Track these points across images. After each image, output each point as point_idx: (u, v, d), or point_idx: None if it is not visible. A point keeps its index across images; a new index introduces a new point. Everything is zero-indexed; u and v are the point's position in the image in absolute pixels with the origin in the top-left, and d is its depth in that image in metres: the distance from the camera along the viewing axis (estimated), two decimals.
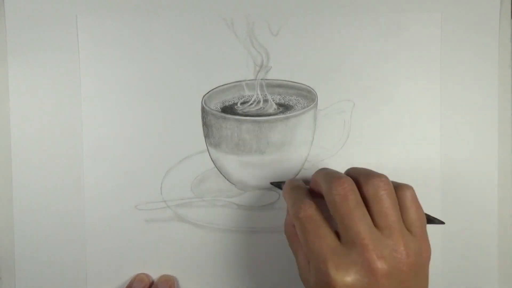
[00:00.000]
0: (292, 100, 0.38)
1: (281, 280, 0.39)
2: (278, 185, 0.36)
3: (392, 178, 0.38)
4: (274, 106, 0.38)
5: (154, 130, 0.38)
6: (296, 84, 0.38)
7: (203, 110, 0.37)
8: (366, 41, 0.38)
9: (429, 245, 0.30)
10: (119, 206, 0.38)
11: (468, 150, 0.38)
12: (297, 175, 0.38)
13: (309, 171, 0.38)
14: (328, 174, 0.30)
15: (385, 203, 0.28)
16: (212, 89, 0.38)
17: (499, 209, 0.39)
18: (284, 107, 0.38)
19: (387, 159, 0.38)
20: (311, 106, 0.37)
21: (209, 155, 0.38)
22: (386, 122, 0.38)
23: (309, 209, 0.29)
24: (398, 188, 0.30)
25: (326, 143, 0.38)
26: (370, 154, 0.38)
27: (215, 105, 0.38)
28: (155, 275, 0.38)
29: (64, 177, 0.38)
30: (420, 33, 0.38)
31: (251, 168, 0.37)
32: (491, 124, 0.38)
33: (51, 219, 0.38)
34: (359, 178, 0.29)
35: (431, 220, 0.32)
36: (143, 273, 0.38)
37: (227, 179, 0.39)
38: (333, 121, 0.38)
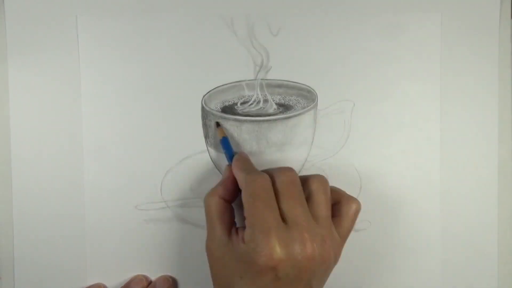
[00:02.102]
0: (292, 100, 0.38)
1: None
2: (227, 148, 0.35)
3: (392, 178, 0.39)
4: (274, 106, 0.38)
5: (154, 130, 0.38)
6: (296, 84, 0.38)
7: (203, 110, 0.37)
8: (366, 41, 0.38)
9: (340, 253, 0.32)
10: (119, 206, 0.38)
11: (468, 150, 0.38)
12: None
13: (309, 171, 0.38)
14: (277, 168, 0.33)
15: (322, 197, 0.31)
16: (212, 89, 0.38)
17: (499, 209, 0.39)
18: (284, 107, 0.38)
19: (387, 159, 0.38)
20: (311, 106, 0.37)
21: (209, 155, 0.38)
22: (386, 122, 0.38)
23: (266, 181, 0.30)
24: (348, 199, 0.33)
25: (326, 143, 0.38)
26: (370, 154, 0.38)
27: (215, 105, 0.38)
28: (154, 275, 0.38)
29: (64, 177, 0.38)
30: (420, 33, 0.38)
31: None
32: (491, 124, 0.38)
33: (51, 219, 0.38)
34: (304, 177, 0.32)
35: None
36: (142, 274, 0.38)
37: None
38: (333, 121, 0.38)
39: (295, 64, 0.38)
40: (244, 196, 0.30)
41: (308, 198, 0.31)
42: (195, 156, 0.38)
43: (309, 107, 0.37)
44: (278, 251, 0.28)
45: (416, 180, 0.38)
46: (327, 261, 0.29)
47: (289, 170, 0.32)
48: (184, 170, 0.38)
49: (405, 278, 0.39)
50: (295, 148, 0.37)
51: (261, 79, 0.38)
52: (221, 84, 0.38)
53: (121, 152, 0.38)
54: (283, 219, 0.29)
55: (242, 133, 0.36)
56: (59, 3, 0.37)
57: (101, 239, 0.38)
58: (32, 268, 0.38)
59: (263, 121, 0.36)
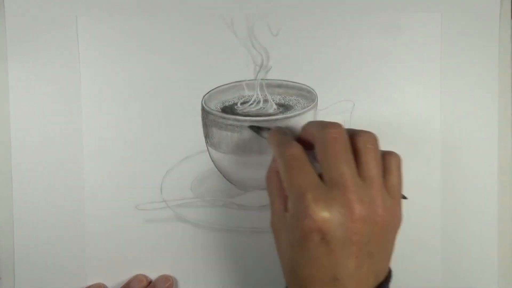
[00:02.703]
0: (292, 100, 0.38)
1: (281, 280, 0.39)
2: (257, 129, 0.35)
3: None
4: (274, 106, 0.38)
5: (154, 130, 0.38)
6: (296, 84, 0.38)
7: (203, 110, 0.37)
8: (366, 41, 0.38)
9: (401, 214, 0.30)
10: (119, 206, 0.38)
11: (468, 150, 0.38)
12: None
13: None
14: (323, 121, 0.31)
15: (371, 155, 0.29)
16: (212, 89, 0.38)
17: (499, 209, 0.39)
18: (284, 107, 0.38)
19: None
20: (311, 106, 0.37)
21: (209, 155, 0.38)
22: (386, 122, 0.38)
23: (296, 149, 0.29)
24: (387, 153, 0.31)
25: None
26: None
27: (215, 105, 0.38)
28: (154, 275, 0.38)
29: (64, 177, 0.38)
30: (420, 33, 0.38)
31: (251, 168, 0.37)
32: (491, 124, 0.38)
33: (51, 219, 0.38)
34: (351, 131, 0.30)
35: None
36: (142, 274, 0.38)
37: (227, 179, 0.39)
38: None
39: (295, 64, 0.38)
40: (279, 168, 0.30)
41: (356, 156, 0.29)
42: (195, 156, 0.38)
43: (309, 107, 0.37)
44: (318, 212, 0.26)
45: (416, 180, 0.38)
46: (381, 223, 0.28)
47: (333, 126, 0.29)
48: (184, 170, 0.38)
49: (405, 278, 0.39)
50: None
51: (261, 79, 0.38)
52: (221, 84, 0.38)
53: (121, 152, 0.38)
54: (326, 181, 0.28)
55: (242, 133, 0.36)
56: (59, 3, 0.37)
57: (101, 239, 0.38)
58: (32, 268, 0.38)
59: (263, 121, 0.36)
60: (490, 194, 0.39)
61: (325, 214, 0.27)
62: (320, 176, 0.29)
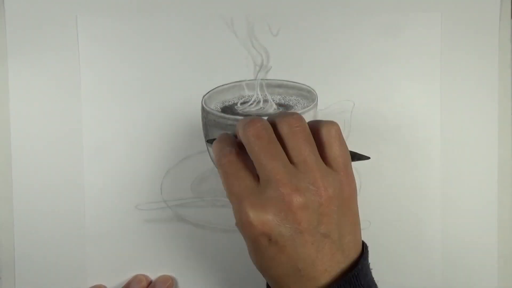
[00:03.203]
0: (292, 100, 0.38)
1: None
2: (212, 142, 0.35)
3: (392, 178, 0.39)
4: (274, 106, 0.38)
5: (154, 130, 0.38)
6: (296, 84, 0.38)
7: (203, 110, 0.37)
8: (366, 41, 0.38)
9: (353, 180, 0.30)
10: (119, 206, 0.38)
11: (468, 150, 0.38)
12: None
13: None
14: (243, 120, 0.30)
15: (298, 138, 0.28)
16: (212, 89, 0.38)
17: (499, 209, 0.39)
18: (284, 107, 0.38)
19: (387, 159, 0.38)
20: (311, 106, 0.37)
21: (209, 155, 0.38)
22: (386, 122, 0.38)
23: (230, 155, 0.29)
24: (321, 125, 0.29)
25: None
26: (370, 154, 0.38)
27: (215, 105, 0.38)
28: (154, 275, 0.38)
29: (64, 177, 0.38)
30: (420, 33, 0.38)
31: None
32: (491, 124, 0.38)
33: (51, 219, 0.38)
34: (274, 119, 0.29)
35: (356, 156, 0.32)
36: (142, 274, 0.38)
37: None
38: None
39: (295, 64, 0.38)
40: (247, 149, 0.29)
41: (282, 144, 0.29)
42: (195, 156, 0.38)
43: (309, 107, 0.37)
44: (255, 217, 0.27)
45: (416, 180, 0.38)
46: (327, 201, 0.27)
47: (251, 123, 0.29)
48: (184, 170, 0.38)
49: (405, 278, 0.39)
50: None
51: (261, 79, 0.38)
52: (221, 84, 0.38)
53: (121, 152, 0.38)
54: (260, 180, 0.28)
55: None
56: (59, 3, 0.37)
57: (101, 239, 0.38)
58: (32, 268, 0.38)
59: None
60: (490, 194, 0.39)
61: (263, 217, 0.27)
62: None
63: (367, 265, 0.29)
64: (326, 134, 0.29)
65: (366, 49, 0.38)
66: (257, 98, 0.38)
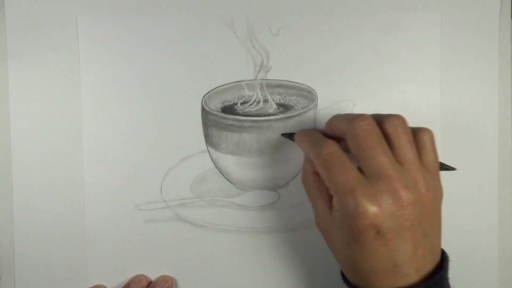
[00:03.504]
0: (292, 100, 0.38)
1: (281, 280, 0.39)
2: (289, 136, 0.35)
3: None
4: (274, 106, 0.38)
5: (154, 130, 0.38)
6: (296, 84, 0.38)
7: (203, 110, 0.37)
8: (366, 41, 0.38)
9: (441, 186, 0.31)
10: (119, 206, 0.38)
11: (468, 150, 0.38)
12: (297, 175, 0.38)
13: None
14: (348, 115, 0.31)
15: (404, 138, 0.29)
16: (212, 89, 0.38)
17: (499, 209, 0.39)
18: (284, 107, 0.38)
19: None
20: (311, 106, 0.37)
21: (209, 155, 0.38)
22: None
23: (332, 146, 0.30)
24: (418, 130, 0.31)
25: None
26: None
27: (215, 105, 0.38)
28: (154, 275, 0.38)
29: (64, 177, 0.38)
30: (420, 33, 0.38)
31: (251, 168, 0.37)
32: (491, 124, 0.38)
33: (51, 219, 0.38)
34: (378, 118, 0.30)
35: (443, 166, 0.33)
36: (142, 274, 0.38)
37: (227, 179, 0.39)
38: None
39: (295, 64, 0.38)
40: (318, 169, 0.30)
41: (389, 143, 0.29)
42: (195, 156, 0.38)
43: (309, 107, 0.37)
44: (369, 208, 0.27)
45: None
46: (428, 202, 0.29)
47: (362, 119, 0.29)
48: (184, 170, 0.38)
49: None
50: (295, 148, 0.37)
51: (261, 79, 0.38)
52: (221, 84, 0.38)
53: (121, 152, 0.38)
54: (367, 174, 0.28)
55: (242, 133, 0.36)
56: (59, 3, 0.37)
57: (101, 239, 0.38)
58: (32, 268, 0.38)
59: (263, 121, 0.36)
60: (490, 194, 0.39)
61: (375, 209, 0.27)
62: (359, 169, 0.29)
63: (447, 270, 0.31)
64: (423, 139, 0.31)
65: (366, 49, 0.38)
66: (257, 98, 0.38)
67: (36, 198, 0.38)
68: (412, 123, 0.38)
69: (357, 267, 0.29)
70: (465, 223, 0.39)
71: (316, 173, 0.32)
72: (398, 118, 0.30)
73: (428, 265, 0.29)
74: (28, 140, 0.38)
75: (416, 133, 0.31)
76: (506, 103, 0.38)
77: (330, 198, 0.30)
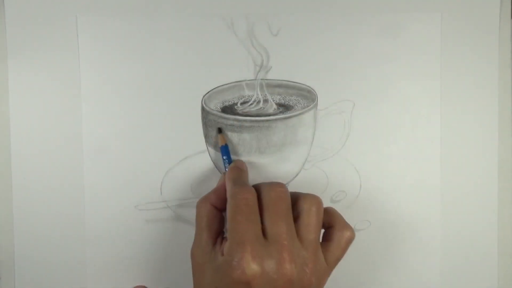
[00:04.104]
0: (292, 100, 0.38)
1: None
2: (220, 131, 0.36)
3: (392, 178, 0.39)
4: (274, 106, 0.38)
5: (154, 130, 0.38)
6: (296, 84, 0.38)
7: (203, 110, 0.37)
8: (366, 41, 0.38)
9: (325, 282, 0.31)
10: (119, 206, 0.38)
11: (468, 150, 0.38)
12: (297, 175, 0.38)
13: (309, 171, 0.38)
14: (264, 183, 0.32)
15: (313, 218, 0.30)
16: (212, 89, 0.38)
17: (499, 209, 0.39)
18: (284, 107, 0.38)
19: (387, 159, 0.38)
20: (311, 106, 0.37)
21: (209, 155, 0.38)
22: (386, 122, 0.38)
23: (250, 194, 0.30)
24: (303, 198, 0.31)
25: (326, 143, 0.38)
26: (370, 154, 0.38)
27: (215, 105, 0.38)
28: (154, 274, 0.38)
29: (64, 177, 0.38)
30: (420, 33, 0.38)
31: (251, 168, 0.37)
32: (491, 124, 0.38)
33: (51, 219, 0.38)
34: (296, 194, 0.32)
35: None
36: (142, 286, 0.38)
37: None
38: (333, 121, 0.38)
39: (295, 64, 0.38)
40: (227, 208, 0.30)
41: (297, 217, 0.30)
42: (195, 156, 0.38)
43: (309, 107, 0.37)
44: (252, 266, 0.27)
45: (416, 180, 0.38)
46: (306, 287, 0.28)
47: (279, 186, 0.31)
48: (184, 170, 0.38)
49: (405, 278, 0.39)
50: (295, 148, 0.37)
51: (261, 79, 0.38)
52: (221, 84, 0.38)
53: (121, 152, 0.38)
54: (265, 235, 0.29)
55: (242, 133, 0.36)
56: (59, 3, 0.37)
57: (101, 239, 0.38)
58: (32, 268, 0.38)
59: (263, 121, 0.36)
60: (490, 194, 0.39)
61: (257, 269, 0.27)
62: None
63: None
64: (336, 234, 0.31)
65: (366, 49, 0.38)
66: (257, 98, 0.38)
67: (36, 198, 0.38)
68: (412, 123, 0.38)
69: None
70: (465, 223, 0.39)
71: (215, 207, 0.32)
72: (316, 199, 0.31)
73: None
74: (28, 140, 0.38)
75: (302, 202, 0.31)
76: (506, 103, 0.38)
77: (217, 235, 0.31)
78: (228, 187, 0.32)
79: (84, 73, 0.38)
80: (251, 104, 0.38)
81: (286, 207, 0.30)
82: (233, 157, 0.36)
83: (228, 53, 0.38)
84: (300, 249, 0.29)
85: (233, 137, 0.36)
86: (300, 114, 0.36)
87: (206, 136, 0.38)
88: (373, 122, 0.38)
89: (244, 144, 0.36)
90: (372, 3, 0.38)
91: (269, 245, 0.28)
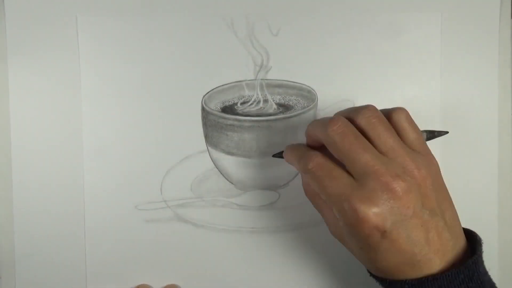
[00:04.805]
0: (292, 100, 0.38)
1: (281, 280, 0.39)
2: (280, 155, 0.35)
3: None
4: (274, 106, 0.38)
5: (154, 130, 0.38)
6: (296, 84, 0.38)
7: (203, 110, 0.37)
8: (366, 41, 0.38)
9: (434, 157, 0.30)
10: (119, 206, 0.38)
11: (468, 150, 0.38)
12: (297, 175, 0.38)
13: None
14: (320, 121, 0.31)
15: (380, 128, 0.29)
16: (212, 89, 0.38)
17: (499, 209, 0.39)
18: (284, 107, 0.38)
19: None
20: (311, 106, 0.37)
21: (209, 155, 0.38)
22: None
23: (317, 158, 0.29)
24: (391, 113, 0.30)
25: None
26: None
27: (215, 105, 0.38)
28: (154, 275, 0.38)
29: (64, 177, 0.38)
30: (420, 33, 0.38)
31: (251, 168, 0.37)
32: (491, 124, 0.38)
33: (51, 219, 0.38)
34: (349, 115, 0.30)
35: (433, 134, 0.33)
36: (146, 284, 0.38)
37: (227, 179, 0.39)
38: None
39: (295, 64, 0.38)
40: (310, 183, 0.30)
41: (366, 136, 0.29)
42: (195, 156, 0.38)
43: (309, 107, 0.37)
44: (367, 211, 0.27)
45: None
46: (423, 182, 0.28)
47: (334, 122, 0.29)
48: (184, 170, 0.38)
49: None
50: None
51: (261, 79, 0.38)
52: (221, 84, 0.38)
53: (121, 152, 0.38)
54: (355, 175, 0.28)
55: (242, 133, 0.36)
56: (59, 3, 0.37)
57: (101, 239, 0.38)
58: (32, 268, 0.38)
59: (263, 121, 0.36)
60: (490, 194, 0.39)
61: (374, 210, 0.27)
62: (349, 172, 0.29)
63: (481, 254, 0.30)
64: (399, 120, 0.30)
65: (366, 49, 0.38)
66: (257, 98, 0.38)
67: (36, 198, 0.38)
68: None
69: (378, 266, 0.29)
70: (465, 223, 0.39)
71: None
72: (369, 109, 0.30)
73: (449, 242, 0.28)
74: (28, 140, 0.38)
75: (391, 116, 0.30)
76: (506, 103, 0.38)
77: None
78: (297, 167, 0.31)
79: (84, 73, 0.38)
80: (251, 104, 0.38)
81: (353, 137, 0.28)
82: (233, 156, 0.36)
83: (228, 53, 0.38)
84: (391, 161, 0.28)
85: (233, 137, 0.36)
86: (300, 114, 0.36)
87: (206, 136, 0.38)
88: None
89: (244, 144, 0.36)
90: (372, 3, 0.38)
91: (365, 182, 0.27)
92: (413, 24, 0.38)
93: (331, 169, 0.29)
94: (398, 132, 0.30)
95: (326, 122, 0.29)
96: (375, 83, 0.38)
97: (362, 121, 0.29)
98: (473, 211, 0.39)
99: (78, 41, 0.37)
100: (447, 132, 0.33)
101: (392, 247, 0.27)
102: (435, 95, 0.38)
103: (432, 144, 0.38)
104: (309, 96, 0.38)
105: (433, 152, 0.38)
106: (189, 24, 0.38)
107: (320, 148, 0.31)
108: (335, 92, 0.38)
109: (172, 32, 0.38)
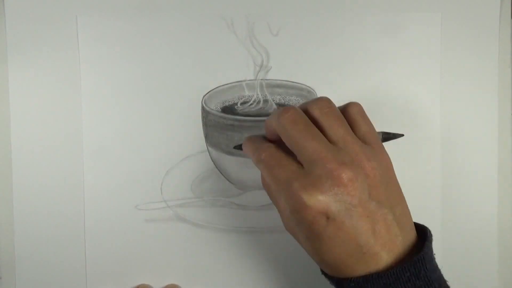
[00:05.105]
0: (292, 100, 0.38)
1: (281, 280, 0.39)
2: (240, 147, 0.34)
3: None
4: (274, 106, 0.38)
5: (154, 130, 0.38)
6: (296, 84, 0.38)
7: (203, 110, 0.37)
8: (366, 41, 0.38)
9: (386, 152, 0.30)
10: (119, 206, 0.38)
11: (468, 150, 0.38)
12: None
13: None
14: (275, 111, 0.31)
15: (331, 117, 0.29)
16: (212, 89, 0.38)
17: (499, 209, 0.39)
18: None
19: None
20: None
21: (209, 155, 0.38)
22: (386, 122, 0.38)
23: (269, 149, 0.29)
24: (345, 106, 0.30)
25: None
26: None
27: (215, 105, 0.38)
28: (154, 275, 0.38)
29: (64, 177, 0.38)
30: (420, 33, 0.38)
31: (251, 168, 0.37)
32: (491, 124, 0.38)
33: (51, 219, 0.38)
34: (303, 106, 0.30)
35: (389, 136, 0.33)
36: (146, 285, 0.38)
37: (227, 179, 0.39)
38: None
39: (295, 64, 0.38)
40: (263, 174, 0.30)
41: (318, 126, 0.29)
42: (195, 156, 0.38)
43: None
44: (309, 197, 0.26)
45: (416, 180, 0.38)
46: (372, 173, 0.28)
47: (285, 111, 0.29)
48: (184, 170, 0.38)
49: None
50: None
51: (261, 79, 0.38)
52: (221, 84, 0.38)
53: (121, 152, 0.38)
54: (304, 163, 0.28)
55: (242, 133, 0.36)
56: (59, 3, 0.37)
57: (101, 239, 0.38)
58: (32, 268, 0.38)
59: (263, 121, 0.36)
60: (490, 194, 0.39)
61: (318, 197, 0.26)
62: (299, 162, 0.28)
63: (431, 249, 0.29)
64: (352, 113, 0.30)
65: (366, 49, 0.38)
66: (257, 98, 0.38)
67: (36, 198, 0.38)
68: (412, 123, 0.38)
69: (325, 258, 0.28)
70: (465, 223, 0.39)
71: None
72: (322, 100, 0.30)
73: (397, 237, 0.28)
74: (28, 140, 0.38)
75: (344, 109, 0.30)
76: (506, 103, 0.38)
77: None
78: (252, 158, 0.31)
79: (84, 73, 0.38)
80: (251, 104, 0.38)
81: (303, 125, 0.28)
82: (233, 156, 0.36)
83: (228, 53, 0.38)
84: (340, 150, 0.28)
85: (233, 137, 0.36)
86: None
87: (206, 136, 0.38)
88: (373, 122, 0.38)
89: None
90: (372, 3, 0.38)
91: (311, 169, 0.27)
92: (413, 24, 0.38)
93: (281, 158, 0.29)
94: (350, 125, 0.30)
95: (280, 111, 0.29)
96: (375, 83, 0.38)
97: (315, 111, 0.29)
98: (473, 211, 0.39)
99: (78, 41, 0.38)
100: (402, 135, 0.33)
101: (336, 236, 0.27)
102: (435, 95, 0.38)
103: (432, 144, 0.38)
104: (309, 96, 0.38)
105: (433, 152, 0.39)
106: (189, 24, 0.38)
107: (278, 141, 0.30)
108: (335, 92, 0.38)
109: (172, 32, 0.38)
